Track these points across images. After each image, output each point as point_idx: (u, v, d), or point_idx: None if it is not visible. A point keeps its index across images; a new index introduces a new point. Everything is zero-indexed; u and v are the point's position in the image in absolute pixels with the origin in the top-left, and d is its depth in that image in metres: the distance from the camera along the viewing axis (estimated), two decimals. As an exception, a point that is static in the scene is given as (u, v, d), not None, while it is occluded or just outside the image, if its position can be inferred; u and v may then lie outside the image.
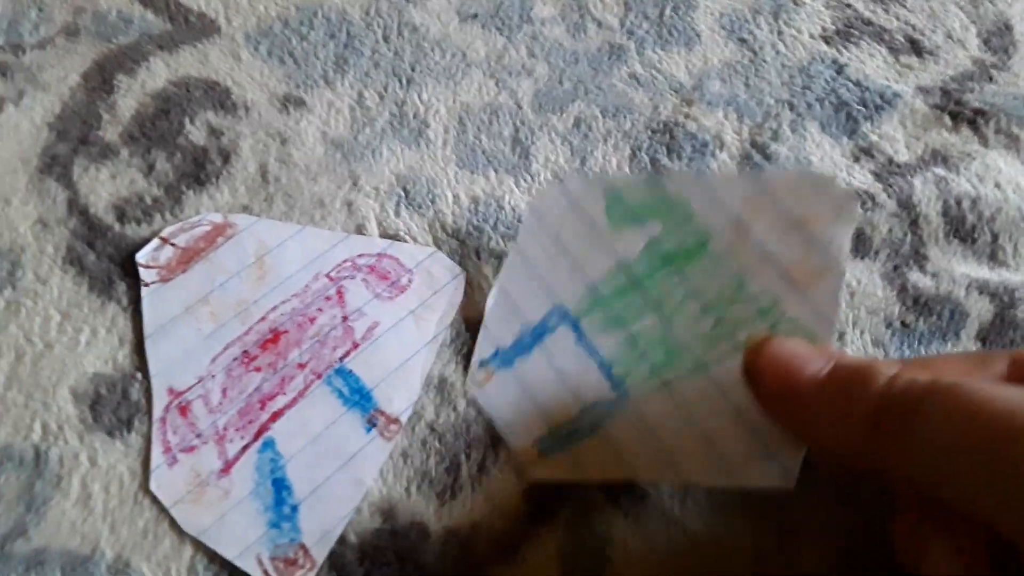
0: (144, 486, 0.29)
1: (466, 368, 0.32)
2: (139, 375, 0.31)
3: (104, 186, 0.34)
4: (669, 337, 0.30)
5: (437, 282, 0.33)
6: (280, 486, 0.29)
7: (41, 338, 0.31)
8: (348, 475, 0.30)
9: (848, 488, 0.30)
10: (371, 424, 0.30)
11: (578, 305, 0.32)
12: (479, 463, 0.30)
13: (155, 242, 0.33)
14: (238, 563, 0.28)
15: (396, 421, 0.30)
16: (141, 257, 0.33)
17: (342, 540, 0.28)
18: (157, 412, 0.30)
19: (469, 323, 0.33)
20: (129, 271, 0.33)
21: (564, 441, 0.30)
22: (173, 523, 0.28)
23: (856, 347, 0.32)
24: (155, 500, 0.29)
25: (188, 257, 0.33)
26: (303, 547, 0.28)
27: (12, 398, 0.30)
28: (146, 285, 0.32)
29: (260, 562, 0.28)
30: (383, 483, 0.30)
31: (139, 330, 0.31)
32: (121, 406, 0.30)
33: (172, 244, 0.33)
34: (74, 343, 0.31)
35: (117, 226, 0.33)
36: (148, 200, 0.34)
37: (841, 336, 0.33)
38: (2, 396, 0.30)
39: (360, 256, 0.34)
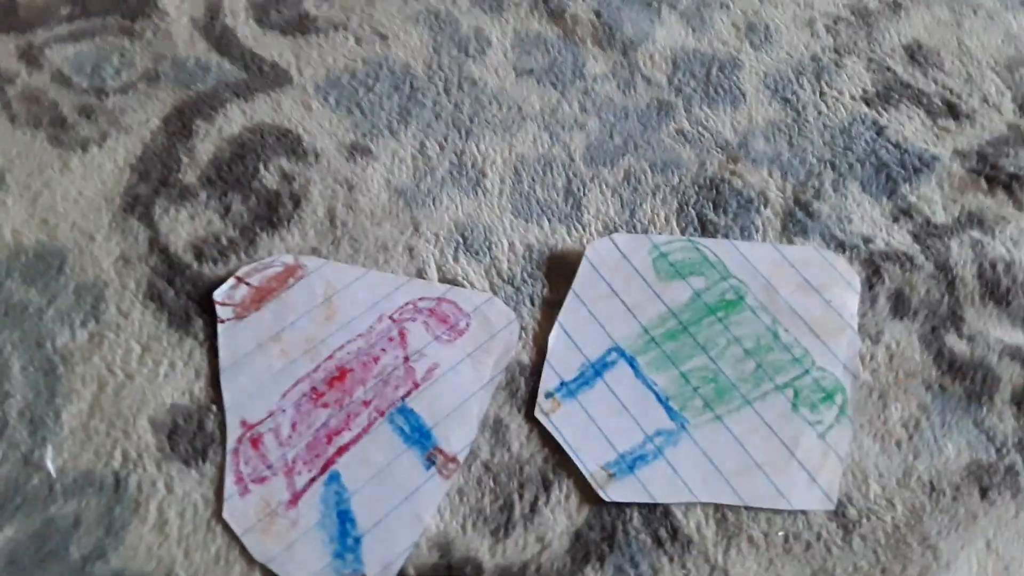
0: (217, 514, 0.31)
1: (519, 409, 0.33)
2: (214, 407, 0.33)
3: (183, 226, 0.37)
4: (718, 376, 0.34)
5: (493, 327, 0.35)
6: (345, 518, 0.31)
7: (122, 369, 0.33)
8: (409, 510, 0.31)
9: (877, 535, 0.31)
10: (430, 462, 0.32)
11: (633, 344, 0.35)
12: (531, 503, 0.32)
13: (231, 281, 0.35)
14: None
15: (454, 460, 0.32)
16: (218, 295, 0.35)
17: (401, 573, 0.30)
18: (231, 443, 0.32)
19: (522, 366, 0.34)
20: (206, 308, 0.35)
21: (631, 465, 0.32)
22: (244, 550, 0.30)
23: (903, 409, 0.34)
24: (227, 528, 0.30)
25: (261, 296, 0.35)
26: None
27: (94, 426, 0.32)
28: (222, 322, 0.34)
29: None
30: (440, 519, 0.31)
31: (215, 364, 0.33)
32: (197, 436, 0.32)
33: (247, 283, 0.35)
34: (153, 375, 0.33)
35: (195, 264, 0.36)
36: (224, 241, 0.36)
37: (883, 396, 0.34)
38: (85, 424, 0.32)
39: (421, 299, 0.36)
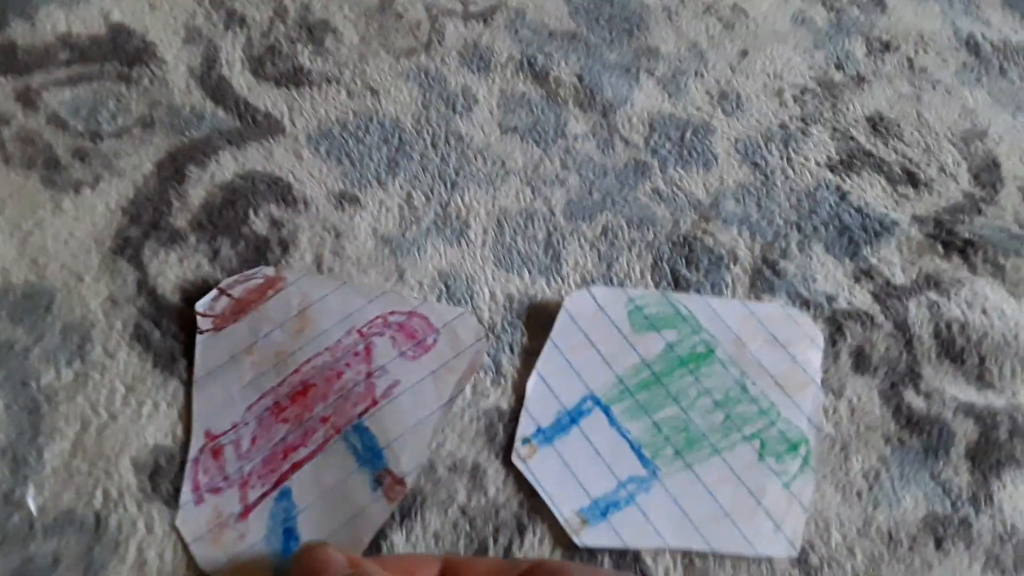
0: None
1: (497, 455, 0.34)
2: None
3: (172, 269, 0.37)
4: (689, 426, 0.35)
5: (461, 344, 0.36)
6: (290, 536, 0.31)
7: (106, 409, 0.34)
8: (349, 532, 0.31)
9: (847, 590, 0.32)
10: (378, 483, 0.32)
11: (608, 393, 0.36)
12: (505, 547, 0.32)
13: (213, 293, 0.36)
14: None
15: (402, 483, 0.32)
16: (200, 306, 0.36)
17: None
18: (192, 452, 0.33)
19: (501, 412, 0.35)
20: (191, 350, 0.35)
21: (604, 511, 0.33)
22: (222, 592, 0.30)
23: (863, 461, 0.36)
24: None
25: (240, 308, 0.36)
26: None
27: (76, 465, 0.32)
28: (201, 333, 0.35)
29: None
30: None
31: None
32: (178, 477, 0.32)
33: (228, 295, 0.36)
34: (137, 415, 0.34)
35: (183, 307, 0.36)
36: (212, 284, 0.37)
37: (844, 448, 0.36)
38: (67, 463, 0.32)
39: (392, 313, 0.36)
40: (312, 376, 0.34)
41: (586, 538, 0.32)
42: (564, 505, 0.33)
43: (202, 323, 0.35)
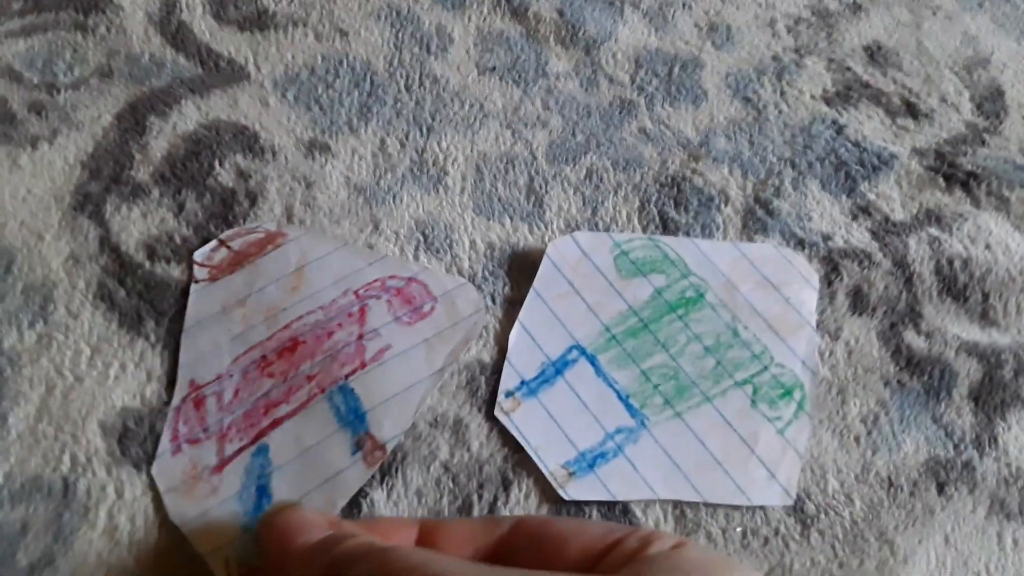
0: (168, 519, 0.30)
1: (480, 409, 0.33)
2: (167, 409, 0.32)
3: (135, 225, 0.36)
4: (678, 373, 0.34)
5: (458, 314, 0.35)
6: (262, 493, 0.30)
7: (72, 371, 0.32)
8: (324, 494, 0.31)
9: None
10: (358, 447, 0.31)
11: (594, 342, 0.35)
12: (490, 503, 0.31)
13: (213, 243, 0.35)
14: (208, 560, 0.29)
15: (382, 448, 0.31)
16: (198, 256, 0.35)
17: None
18: (175, 401, 0.32)
19: (483, 365, 0.34)
20: (158, 308, 0.34)
21: (591, 464, 0.32)
22: (196, 555, 0.29)
23: (861, 405, 0.34)
24: (179, 532, 0.29)
25: (238, 260, 0.35)
26: None
27: (42, 430, 0.31)
28: (196, 282, 0.34)
29: (227, 564, 0.29)
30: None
31: (167, 366, 0.33)
32: (148, 440, 0.31)
33: (228, 247, 0.35)
34: (103, 377, 0.32)
35: (147, 264, 0.35)
36: (178, 239, 0.35)
37: (842, 392, 0.34)
38: (33, 428, 0.31)
39: (391, 277, 0.35)
40: (302, 333, 0.33)
41: (572, 491, 0.31)
42: (550, 458, 0.32)
43: (198, 272, 0.34)
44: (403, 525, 0.28)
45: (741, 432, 0.33)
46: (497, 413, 0.33)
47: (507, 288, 0.36)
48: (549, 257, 0.36)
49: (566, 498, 0.31)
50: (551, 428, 0.33)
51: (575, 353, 0.34)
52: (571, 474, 0.32)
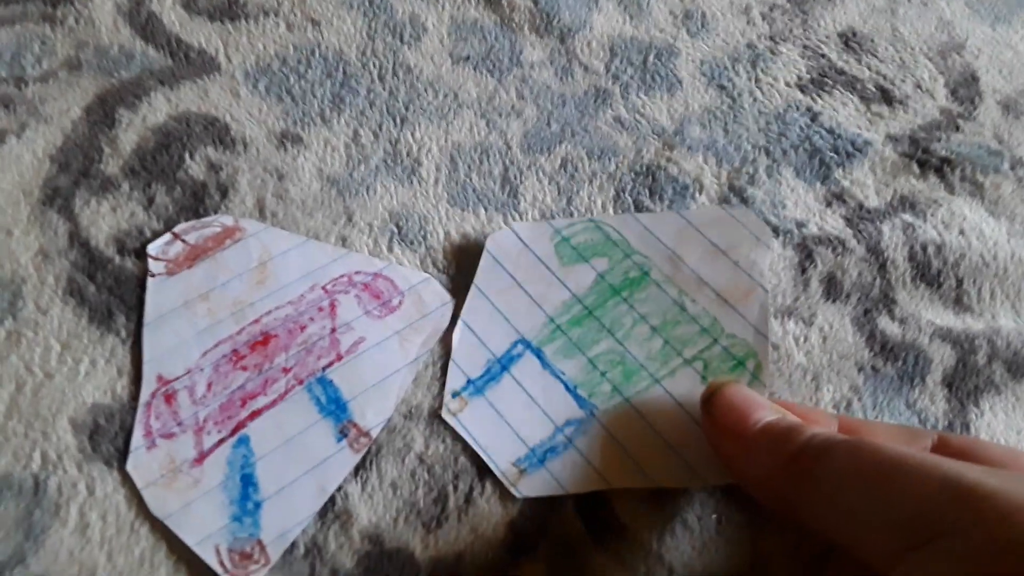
0: (141, 516, 0.30)
1: (454, 401, 0.33)
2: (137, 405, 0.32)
3: (105, 219, 0.35)
4: (625, 358, 0.33)
5: (426, 307, 0.35)
6: (248, 482, 0.30)
7: (41, 368, 0.32)
8: (313, 480, 0.31)
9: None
10: (342, 434, 0.32)
11: (539, 335, 0.34)
12: (466, 494, 0.31)
13: (167, 236, 0.35)
14: (197, 550, 0.29)
15: (367, 435, 0.32)
16: (152, 249, 0.34)
17: (333, 566, 0.29)
18: (144, 397, 0.32)
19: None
20: (128, 303, 0.34)
21: (542, 459, 0.32)
22: (170, 551, 0.29)
23: (835, 391, 0.34)
24: (152, 529, 0.29)
25: (195, 254, 0.35)
26: (260, 543, 0.29)
27: (12, 427, 0.31)
28: (152, 276, 0.34)
29: (218, 552, 0.29)
30: (372, 512, 0.31)
31: (138, 362, 0.32)
32: (119, 436, 0.31)
33: (183, 240, 0.35)
34: (74, 374, 0.32)
35: (117, 258, 0.34)
36: (148, 233, 0.35)
37: (816, 378, 0.34)
38: (2, 425, 0.31)
39: (357, 273, 0.35)
40: (273, 327, 0.33)
41: (524, 488, 0.31)
42: (500, 458, 0.31)
43: (154, 266, 0.34)
44: (823, 415, 0.28)
45: (692, 411, 0.32)
46: (444, 414, 0.32)
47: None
48: (489, 251, 0.36)
49: (518, 496, 0.31)
50: (500, 426, 0.32)
51: (520, 347, 0.34)
52: (522, 471, 0.31)
